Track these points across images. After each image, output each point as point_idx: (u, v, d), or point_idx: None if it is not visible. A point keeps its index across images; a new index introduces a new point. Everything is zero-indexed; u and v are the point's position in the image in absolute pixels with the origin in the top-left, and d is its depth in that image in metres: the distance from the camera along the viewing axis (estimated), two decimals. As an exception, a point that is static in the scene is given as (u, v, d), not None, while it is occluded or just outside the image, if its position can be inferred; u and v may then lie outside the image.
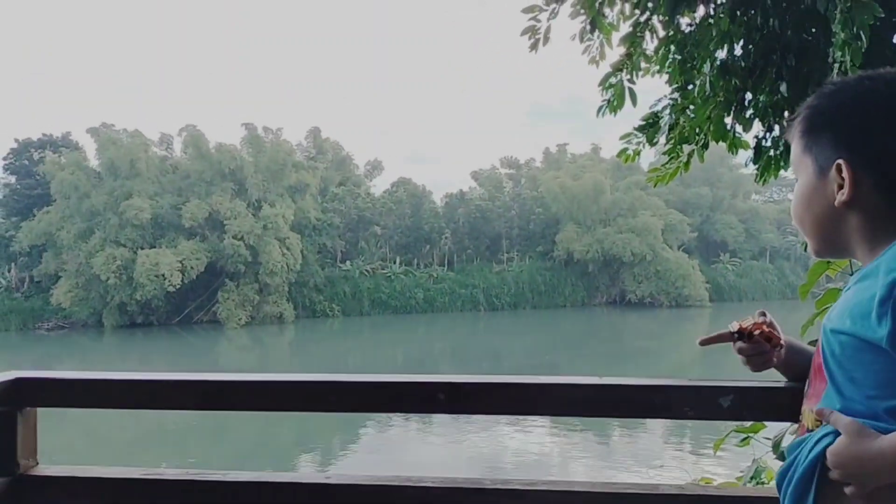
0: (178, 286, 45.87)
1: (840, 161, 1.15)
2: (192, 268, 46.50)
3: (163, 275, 44.92)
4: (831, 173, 1.17)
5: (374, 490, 1.41)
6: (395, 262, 57.28)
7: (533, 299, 57.28)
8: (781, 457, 2.65)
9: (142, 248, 46.28)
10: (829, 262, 3.02)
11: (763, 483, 3.41)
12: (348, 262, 55.58)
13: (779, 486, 1.18)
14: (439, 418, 19.14)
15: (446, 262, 58.70)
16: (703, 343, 1.34)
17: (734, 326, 1.29)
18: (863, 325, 1.07)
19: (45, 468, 1.50)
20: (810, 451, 1.13)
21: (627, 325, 48.70)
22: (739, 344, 1.30)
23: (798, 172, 1.27)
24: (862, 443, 1.04)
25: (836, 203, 1.17)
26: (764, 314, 1.33)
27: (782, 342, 1.29)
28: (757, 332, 1.25)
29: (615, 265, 56.84)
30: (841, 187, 1.16)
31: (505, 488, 1.36)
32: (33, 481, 1.47)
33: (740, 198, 64.60)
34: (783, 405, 1.24)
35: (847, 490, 1.06)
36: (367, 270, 55.14)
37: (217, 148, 50.23)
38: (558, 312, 54.57)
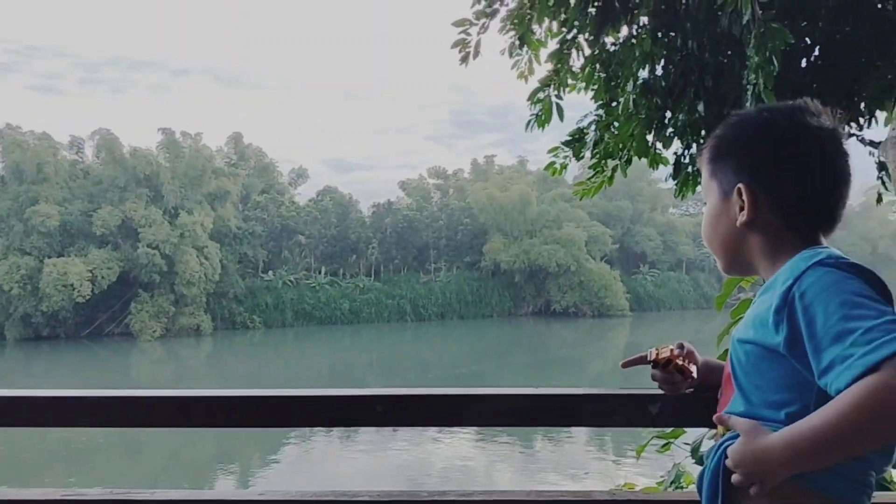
0: (87, 297, 43.96)
1: (741, 185, 1.26)
2: (103, 277, 44.66)
3: (71, 285, 42.97)
4: (733, 196, 1.27)
5: (308, 506, 1.39)
6: (320, 273, 56.57)
7: (460, 309, 57.60)
8: (700, 461, 2.74)
9: (49, 257, 44.17)
10: (743, 273, 3.13)
11: (682, 487, 3.52)
12: (271, 272, 54.53)
13: (698, 489, 1.25)
14: (363, 431, 18.97)
15: (373, 272, 58.38)
16: (625, 366, 1.44)
17: (651, 354, 1.35)
18: (763, 333, 1.16)
19: (-42, 491, 1.42)
20: (715, 453, 1.21)
21: (552, 334, 49.55)
22: (653, 371, 1.39)
23: (706, 196, 1.37)
24: (755, 440, 1.13)
25: (738, 224, 1.27)
26: (682, 346, 1.40)
27: (694, 376, 1.36)
28: (669, 363, 1.32)
29: (541, 276, 57.86)
30: (742, 209, 1.26)
31: (442, 500, 1.37)
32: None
33: (659, 211, 66.96)
34: (707, 412, 1.30)
35: (751, 491, 1.13)
36: (290, 281, 54.22)
37: (132, 153, 48.51)
38: (485, 322, 55.04)
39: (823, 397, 1.08)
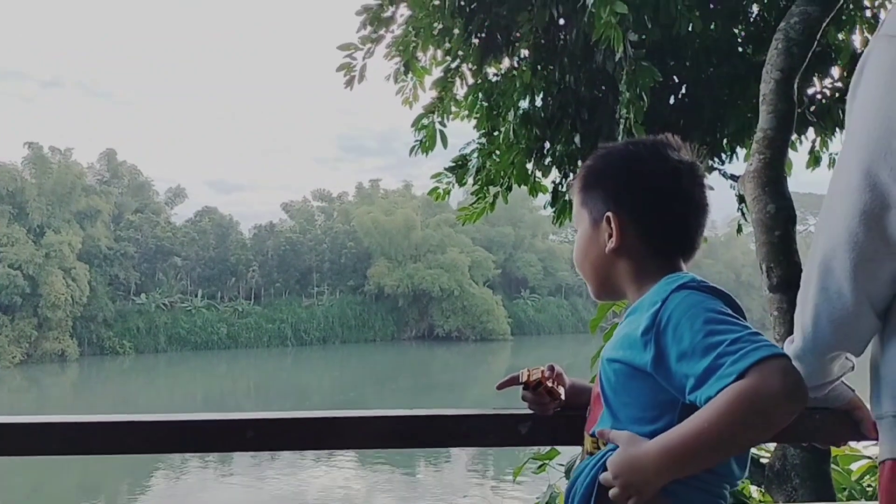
0: (-63, 320, 40.37)
1: (609, 213, 1.33)
2: (-44, 299, 41.17)
3: (-82, 307, 39.35)
4: (602, 224, 1.34)
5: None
6: (196, 296, 54.40)
7: (343, 334, 56.95)
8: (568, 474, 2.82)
9: None
10: (615, 298, 3.28)
11: (556, 507, 3.60)
12: (143, 295, 51.92)
13: (566, 500, 1.29)
14: (239, 459, 18.27)
15: (253, 295, 56.77)
16: (500, 388, 1.48)
17: (523, 376, 1.40)
18: (632, 354, 1.21)
19: None
20: (592, 468, 1.25)
21: (435, 358, 49.85)
22: (523, 392, 1.43)
23: (577, 224, 1.44)
24: (632, 449, 1.17)
25: (606, 250, 1.33)
26: (552, 368, 1.46)
27: (563, 397, 1.42)
28: (539, 385, 1.38)
29: (424, 300, 58.21)
30: (611, 236, 1.32)
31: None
32: None
33: (540, 238, 69.14)
34: (574, 430, 1.35)
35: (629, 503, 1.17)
36: (164, 304, 51.81)
37: (-7, 167, 45.23)
38: (368, 347, 54.64)
39: (689, 413, 1.13)
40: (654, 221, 1.32)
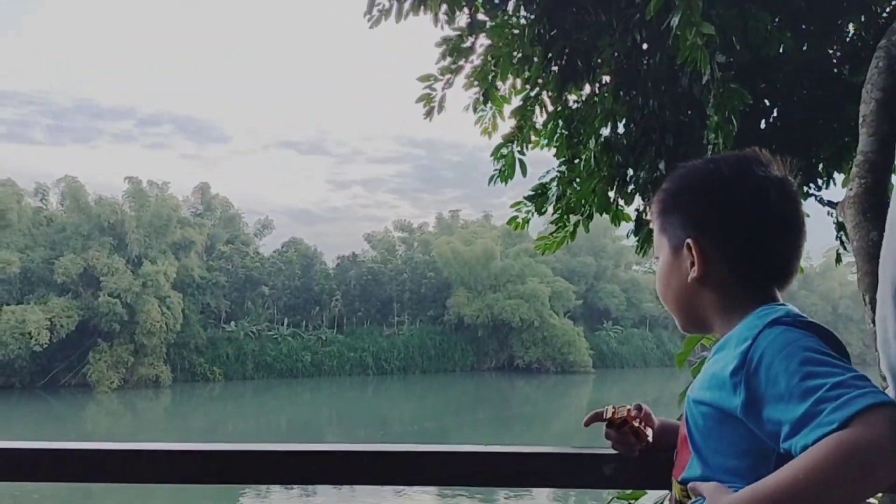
0: (45, 345, 42.75)
1: (689, 240, 1.22)
2: (62, 326, 43.57)
3: (29, 333, 41.81)
4: (683, 252, 1.23)
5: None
6: (282, 324, 55.84)
7: (423, 363, 57.12)
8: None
9: (7, 304, 43.00)
10: (703, 332, 3.12)
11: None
12: (233, 323, 53.68)
13: None
14: (322, 489, 18.48)
15: (336, 324, 57.81)
16: (586, 424, 1.40)
17: (608, 412, 1.32)
18: (720, 396, 1.11)
19: None
20: None
21: (515, 390, 49.31)
22: (607, 430, 1.35)
23: (658, 252, 1.33)
24: (719, 499, 1.08)
25: (689, 280, 1.23)
26: (640, 407, 1.36)
27: (649, 439, 1.32)
28: (625, 424, 1.29)
29: (504, 330, 57.81)
30: (693, 265, 1.22)
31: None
32: None
33: (622, 268, 67.77)
34: (662, 474, 1.26)
35: None
36: (252, 332, 53.39)
37: (97, 201, 47.99)
38: (448, 377, 54.60)
39: (783, 464, 1.03)
40: (741, 246, 1.20)
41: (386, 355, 56.19)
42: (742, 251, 1.20)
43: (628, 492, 3.69)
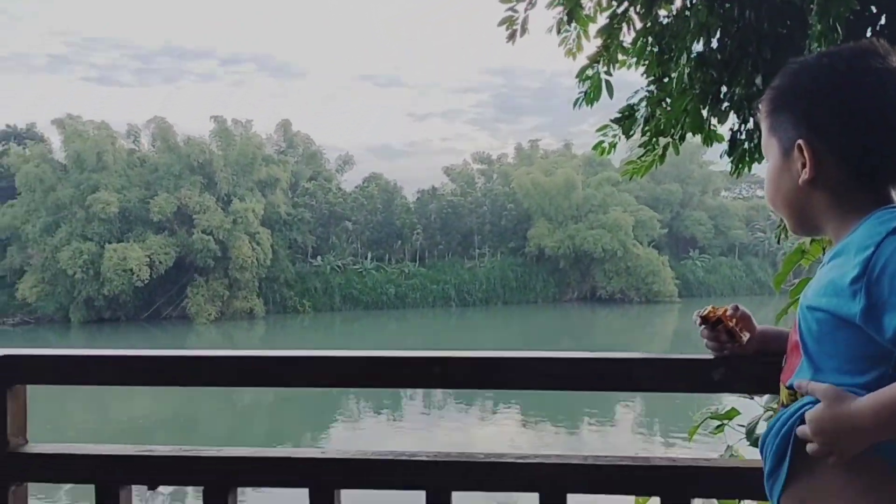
0: (146, 281, 45.29)
1: (800, 141, 1.17)
2: (160, 262, 45.93)
3: (131, 269, 44.30)
4: (794, 153, 1.19)
5: (366, 465, 1.41)
6: (366, 258, 57.10)
7: (504, 295, 57.50)
8: (755, 443, 2.68)
9: (109, 243, 45.56)
10: (802, 252, 3.06)
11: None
12: (319, 258, 55.27)
13: (761, 452, 1.22)
14: (409, 413, 19.19)
15: (417, 257, 58.66)
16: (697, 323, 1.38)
17: (704, 310, 1.32)
18: (838, 303, 1.09)
19: (35, 446, 1.48)
20: (789, 418, 1.16)
21: (598, 320, 49.18)
22: (701, 329, 1.34)
23: (766, 154, 1.29)
24: (840, 405, 1.06)
25: (800, 182, 1.19)
26: (737, 308, 1.35)
27: (743, 341, 1.31)
28: (719, 323, 1.29)
29: (586, 261, 57.28)
30: (804, 166, 1.17)
31: (498, 461, 1.37)
32: (23, 459, 1.45)
33: (710, 194, 65.50)
34: (772, 378, 1.27)
35: (829, 461, 1.08)
36: (338, 266, 54.89)
37: (185, 141, 49.62)
38: (529, 308, 54.89)
39: None
40: (856, 145, 1.15)
41: (468, 287, 56.81)
42: (858, 149, 1.15)
43: (723, 411, 3.69)
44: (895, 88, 1.13)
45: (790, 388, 1.19)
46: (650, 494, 1.37)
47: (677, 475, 1.32)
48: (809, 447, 1.11)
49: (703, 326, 1.31)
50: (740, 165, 4.88)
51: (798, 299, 2.77)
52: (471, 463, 1.37)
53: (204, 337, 42.79)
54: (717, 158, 5.11)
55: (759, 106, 1.29)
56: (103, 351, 1.46)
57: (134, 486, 1.47)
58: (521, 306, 55.79)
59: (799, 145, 1.18)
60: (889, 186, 1.17)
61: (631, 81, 4.98)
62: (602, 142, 5.23)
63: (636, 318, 48.75)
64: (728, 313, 1.30)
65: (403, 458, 1.39)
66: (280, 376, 1.47)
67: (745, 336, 1.30)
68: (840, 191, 1.17)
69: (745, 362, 1.30)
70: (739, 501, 1.49)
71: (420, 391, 23.78)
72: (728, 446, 4.02)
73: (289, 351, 1.44)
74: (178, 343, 40.29)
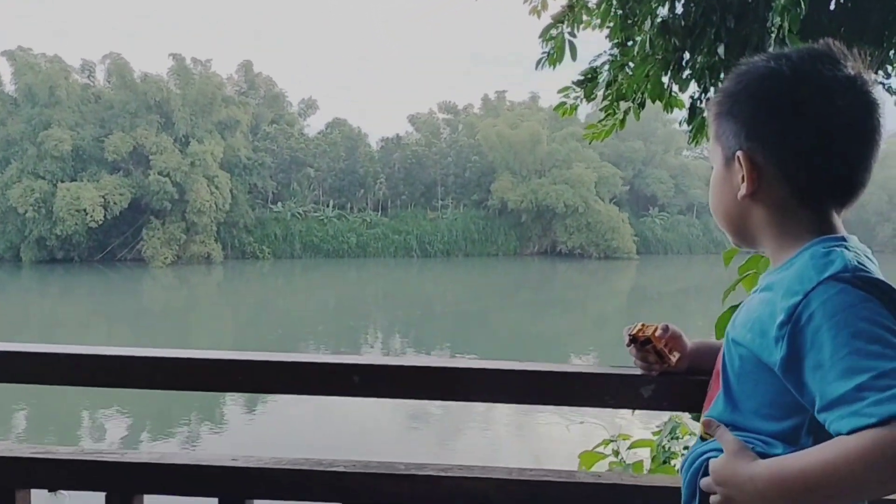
0: (100, 222, 44.30)
1: (740, 152, 1.09)
2: (115, 203, 44.90)
3: (84, 209, 43.24)
4: (735, 164, 1.10)
5: (282, 473, 1.33)
6: (328, 206, 56.59)
7: (466, 247, 57.72)
8: (697, 417, 2.67)
9: (62, 181, 44.29)
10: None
11: (678, 438, 3.49)
12: (280, 204, 54.59)
13: (682, 474, 1.18)
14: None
15: (380, 207, 58.34)
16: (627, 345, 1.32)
17: (635, 328, 1.26)
18: (761, 344, 1.03)
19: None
20: (699, 456, 1.12)
21: (557, 275, 49.72)
22: (629, 346, 1.28)
23: (712, 159, 1.20)
24: (741, 463, 1.02)
25: (738, 197, 1.11)
26: (667, 328, 1.28)
27: (672, 363, 1.25)
28: (648, 343, 1.23)
29: (548, 216, 57.63)
30: (744, 179, 1.09)
31: (419, 474, 1.31)
32: None
33: (672, 153, 66.04)
34: (702, 397, 1.22)
35: None
36: (299, 213, 54.32)
37: (142, 78, 48.04)
38: (490, 261, 55.23)
39: (817, 423, 0.96)
40: (798, 162, 1.05)
41: (430, 238, 56.85)
42: (799, 165, 1.05)
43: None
44: (847, 99, 1.04)
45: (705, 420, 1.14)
46: (572, 512, 1.32)
47: (600, 492, 1.28)
48: (712, 499, 1.06)
49: (631, 345, 1.25)
50: (699, 135, 4.85)
51: (747, 276, 2.75)
52: (389, 475, 1.30)
53: (160, 281, 42.16)
54: (679, 117, 5.09)
55: (709, 107, 1.21)
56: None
57: (33, 490, 1.38)
58: (483, 259, 56.11)
59: (738, 157, 1.09)
60: (832, 209, 1.09)
61: (599, 43, 4.89)
62: (564, 103, 5.15)
63: (594, 274, 49.41)
64: (657, 333, 1.24)
65: (320, 468, 1.32)
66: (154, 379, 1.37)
67: (675, 357, 1.24)
68: (779, 209, 1.09)
69: (674, 381, 1.24)
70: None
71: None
72: (671, 416, 4.07)
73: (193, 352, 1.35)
74: (134, 286, 39.66)
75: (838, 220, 1.10)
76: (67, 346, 1.39)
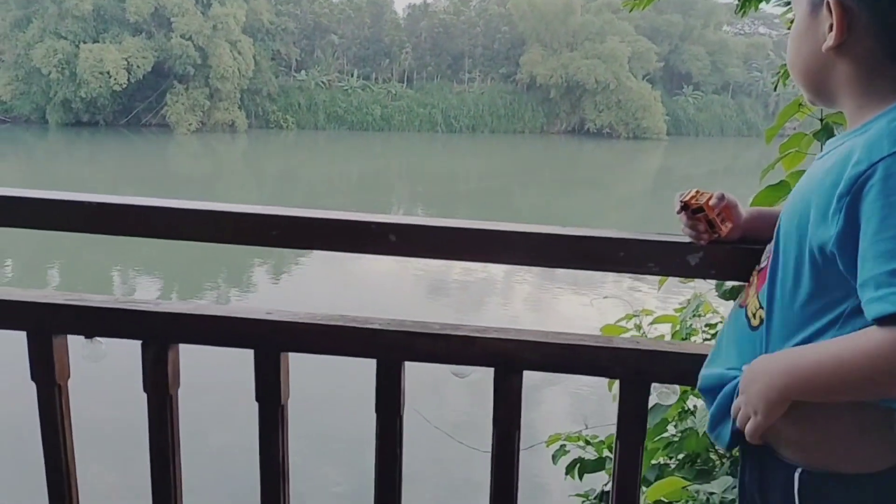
0: (124, 85, 43.89)
1: None
2: (138, 66, 44.30)
3: (108, 72, 42.76)
4: (823, 11, 1.00)
5: (317, 328, 1.34)
6: (352, 75, 55.42)
7: (492, 123, 56.74)
8: (724, 295, 2.66)
9: (84, 42, 43.57)
10: (799, 105, 2.88)
11: (700, 315, 3.50)
12: (303, 72, 53.55)
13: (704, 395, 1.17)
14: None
15: (405, 78, 57.02)
16: (677, 212, 1.26)
17: (688, 195, 1.19)
18: (815, 219, 0.97)
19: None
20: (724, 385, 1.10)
21: (583, 154, 49.02)
22: (679, 214, 1.22)
23: (794, 7, 1.09)
24: (762, 359, 1.03)
25: (823, 49, 1.01)
26: (722, 197, 1.21)
27: (723, 233, 1.20)
28: (700, 211, 1.17)
29: (577, 92, 56.04)
30: (831, 29, 0.99)
31: (455, 334, 1.31)
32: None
33: (711, 28, 63.05)
34: (750, 266, 1.17)
35: (746, 431, 1.02)
36: (323, 82, 53.33)
37: (161, -66, 46.05)
38: (516, 138, 54.40)
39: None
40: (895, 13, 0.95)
41: (455, 112, 55.86)
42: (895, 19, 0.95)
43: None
44: None
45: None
46: (610, 377, 1.32)
47: (640, 358, 1.27)
48: (732, 407, 1.05)
49: (682, 212, 1.20)
50: (746, 4, 4.56)
51: (788, 154, 2.65)
52: (425, 334, 1.30)
53: (185, 147, 42.25)
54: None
55: None
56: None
57: (70, 336, 1.40)
58: (508, 135, 55.26)
59: (828, 3, 0.99)
60: None
61: None
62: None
63: (621, 154, 48.62)
64: (712, 202, 1.18)
65: (354, 324, 1.32)
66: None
67: (727, 227, 1.19)
68: (867, 66, 0.99)
69: (723, 250, 1.20)
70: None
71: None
72: (695, 294, 4.07)
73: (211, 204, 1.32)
74: (159, 152, 39.83)
75: None
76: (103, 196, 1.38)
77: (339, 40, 54.86)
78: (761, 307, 1.08)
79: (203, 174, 33.31)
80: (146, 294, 12.60)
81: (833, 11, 0.98)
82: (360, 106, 53.91)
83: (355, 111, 53.77)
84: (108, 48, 43.36)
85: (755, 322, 1.09)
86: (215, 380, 6.01)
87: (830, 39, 0.99)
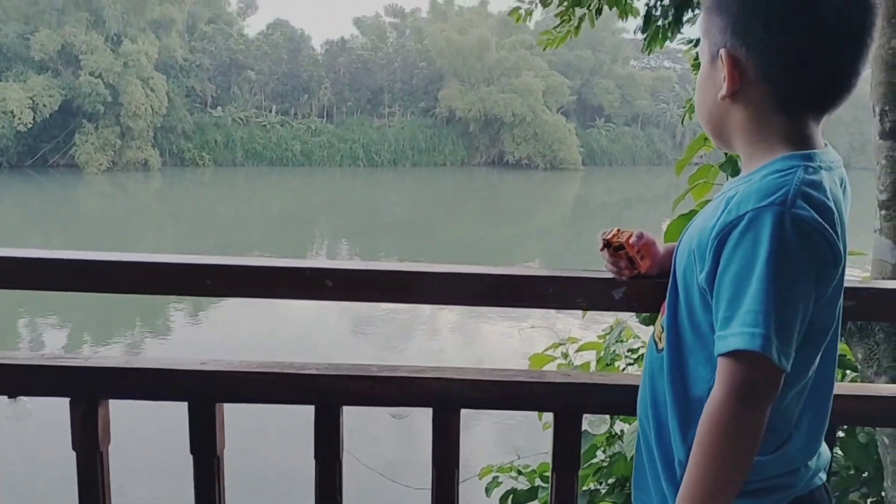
0: (29, 125, 42.14)
1: (723, 50, 1.04)
2: (44, 105, 42.66)
3: (11, 111, 41.02)
4: (719, 61, 1.05)
5: (253, 377, 1.33)
6: (270, 111, 54.90)
7: (413, 157, 57.18)
8: (644, 321, 2.74)
9: (-16, 82, 41.75)
10: (705, 139, 3.04)
11: (622, 341, 3.60)
12: (220, 108, 52.70)
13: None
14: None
15: (325, 113, 56.92)
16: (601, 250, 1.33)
17: (609, 233, 1.27)
18: (698, 255, 1.04)
19: None
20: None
21: (504, 184, 49.89)
22: (602, 251, 1.28)
23: (700, 56, 1.15)
24: None
25: (718, 96, 1.07)
26: (641, 236, 1.28)
27: (641, 270, 1.26)
28: (621, 249, 1.25)
29: (496, 125, 57.26)
30: (725, 79, 1.04)
31: (393, 375, 1.32)
32: None
33: (619, 63, 65.79)
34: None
35: None
36: (240, 118, 52.61)
37: (68, -29, 44.87)
38: (438, 171, 54.94)
39: None
40: (781, 64, 1.01)
41: (376, 147, 56.03)
42: (782, 67, 1.01)
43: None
44: (836, 2, 0.99)
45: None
46: (545, 410, 1.37)
47: (572, 391, 1.31)
48: None
49: (604, 250, 1.26)
50: (653, 43, 4.81)
51: (697, 185, 2.79)
52: (363, 377, 1.31)
53: (95, 187, 40.70)
54: (628, 26, 5.03)
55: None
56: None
57: (-8, 395, 1.34)
58: (430, 168, 55.74)
59: (721, 55, 1.05)
60: (810, 119, 1.05)
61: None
62: (518, 8, 5.07)
63: (540, 184, 49.74)
64: (631, 241, 1.25)
65: (291, 370, 1.32)
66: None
67: (646, 263, 1.26)
68: (756, 115, 1.06)
69: (643, 284, 1.27)
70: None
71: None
72: (617, 319, 4.19)
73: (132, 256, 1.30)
74: (68, 193, 38.22)
75: (816, 130, 1.07)
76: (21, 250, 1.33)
77: (257, 76, 54.37)
78: (663, 331, 1.15)
79: (114, 214, 32.12)
80: (53, 344, 12.03)
81: (724, 62, 1.04)
82: (280, 142, 53.39)
83: (274, 147, 53.20)
84: (11, 87, 41.64)
85: (661, 345, 1.15)
86: (148, 432, 5.81)
87: (724, 88, 1.06)
